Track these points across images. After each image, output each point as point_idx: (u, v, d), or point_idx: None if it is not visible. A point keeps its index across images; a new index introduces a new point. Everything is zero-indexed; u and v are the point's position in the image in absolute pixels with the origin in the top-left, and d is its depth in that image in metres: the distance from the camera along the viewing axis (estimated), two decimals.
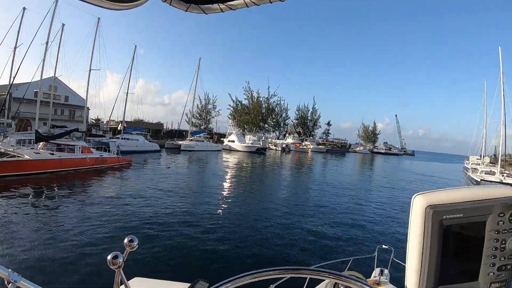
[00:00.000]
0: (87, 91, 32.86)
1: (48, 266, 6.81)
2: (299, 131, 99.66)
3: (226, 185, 20.39)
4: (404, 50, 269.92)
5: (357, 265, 3.13)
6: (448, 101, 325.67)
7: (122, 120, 44.93)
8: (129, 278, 1.13)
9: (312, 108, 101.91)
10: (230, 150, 54.25)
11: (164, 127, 72.21)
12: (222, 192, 17.65)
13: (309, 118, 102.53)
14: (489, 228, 1.01)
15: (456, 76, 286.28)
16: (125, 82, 43.89)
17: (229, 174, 26.13)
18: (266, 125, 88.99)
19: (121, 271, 1.00)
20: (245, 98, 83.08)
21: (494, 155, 53.82)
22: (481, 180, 29.42)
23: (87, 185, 17.42)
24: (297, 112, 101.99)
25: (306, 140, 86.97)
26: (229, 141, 56.78)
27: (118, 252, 0.98)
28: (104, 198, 13.85)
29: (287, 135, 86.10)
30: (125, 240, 1.06)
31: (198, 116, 77.54)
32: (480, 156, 57.31)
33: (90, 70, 31.81)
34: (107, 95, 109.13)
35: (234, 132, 58.73)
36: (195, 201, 14.67)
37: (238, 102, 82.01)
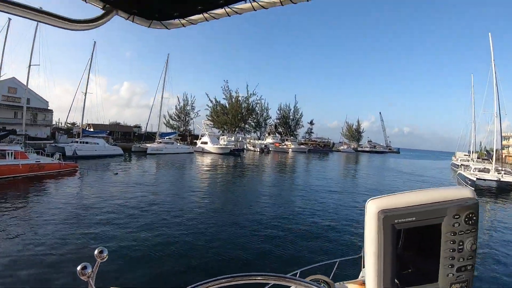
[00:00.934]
0: (26, 89, 30.01)
1: None
2: (281, 131, 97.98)
3: (183, 192, 18.25)
4: (389, 48, 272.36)
5: (345, 266, 2.99)
6: (434, 98, 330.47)
7: (81, 122, 42.08)
8: None
9: (294, 107, 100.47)
10: (203, 152, 51.52)
11: (143, 130, 69.25)
12: (176, 201, 15.57)
13: (291, 117, 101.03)
14: (445, 230, 1.04)
15: (441, 72, 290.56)
16: (83, 81, 41.13)
17: (191, 179, 23.88)
18: (246, 126, 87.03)
19: (92, 282, 0.99)
20: (223, 98, 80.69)
21: (487, 151, 52.37)
22: (477, 179, 26.82)
23: (7, 198, 14.93)
24: (278, 112, 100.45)
25: (287, 140, 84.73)
26: (202, 142, 54.00)
27: (87, 263, 0.97)
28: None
29: (266, 135, 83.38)
30: (95, 252, 1.05)
31: (176, 117, 75.29)
32: (468, 152, 55.91)
33: (29, 66, 29.07)
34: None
35: (207, 133, 55.89)
36: (122, 218, 12.43)
37: (216, 102, 79.44)
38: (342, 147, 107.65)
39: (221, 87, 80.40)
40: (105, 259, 1.06)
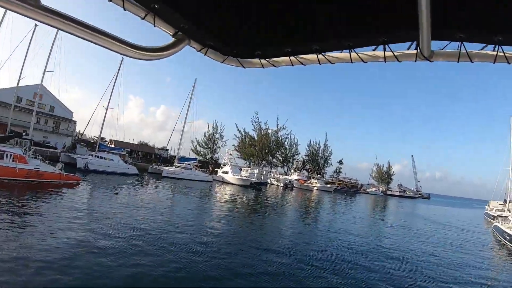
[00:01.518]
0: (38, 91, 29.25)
1: None
2: (308, 168, 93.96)
3: (180, 222, 15.49)
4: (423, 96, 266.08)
5: None
6: (469, 143, 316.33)
7: (99, 136, 40.89)
8: None
9: (324, 144, 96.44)
10: (222, 182, 48.64)
11: (168, 154, 67.91)
12: (165, 231, 13.03)
13: (320, 155, 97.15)
14: None
15: (478, 118, 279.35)
16: (105, 97, 40.32)
17: (196, 210, 20.95)
18: (274, 160, 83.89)
19: None
20: (252, 129, 78.42)
21: None
22: None
23: None
24: (307, 148, 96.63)
25: (313, 177, 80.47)
26: (223, 172, 51.08)
27: None
28: None
29: (292, 170, 79.43)
30: None
31: (204, 144, 73.15)
32: (504, 201, 49.50)
33: (44, 71, 28.13)
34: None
35: (229, 163, 53.25)
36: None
37: (244, 133, 77.25)
38: (370, 189, 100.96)
39: (251, 118, 78.16)
40: None
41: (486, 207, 63.92)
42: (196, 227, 14.99)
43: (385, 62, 0.72)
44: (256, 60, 0.87)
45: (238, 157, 77.21)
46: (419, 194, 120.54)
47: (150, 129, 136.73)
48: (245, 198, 33.68)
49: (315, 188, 71.53)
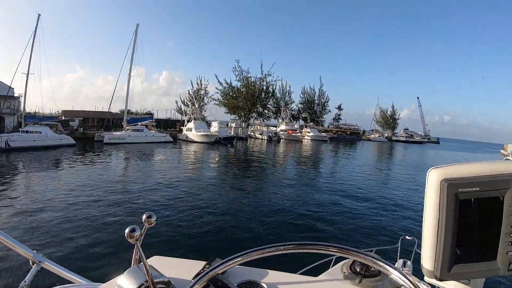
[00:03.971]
0: None
1: None
2: (305, 117, 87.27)
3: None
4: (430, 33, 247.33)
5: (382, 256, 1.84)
6: (476, 84, 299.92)
7: (23, 109, 35.40)
8: (148, 257, 1.17)
9: (319, 90, 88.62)
10: (186, 141, 43.01)
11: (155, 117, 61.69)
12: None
13: (316, 101, 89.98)
14: (508, 204, 0.96)
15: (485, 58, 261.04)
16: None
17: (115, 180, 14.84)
18: (265, 111, 77.39)
19: (139, 245, 1.02)
20: (235, 80, 71.28)
21: None
22: None
23: None
24: (302, 96, 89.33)
25: (306, 126, 74.13)
26: (187, 129, 44.92)
27: (135, 226, 1.01)
28: None
29: (280, 120, 72.80)
30: (144, 216, 1.08)
31: (189, 103, 66.24)
32: None
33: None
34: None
35: (192, 118, 47.09)
36: None
37: (227, 84, 70.23)
38: (373, 136, 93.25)
39: (233, 68, 70.60)
40: (153, 224, 1.09)
41: (502, 151, 56.95)
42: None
43: None
44: None
45: (226, 113, 71.67)
46: (428, 138, 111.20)
47: (154, 96, 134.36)
48: (202, 158, 28.46)
49: (307, 138, 65.62)
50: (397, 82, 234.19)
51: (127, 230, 0.98)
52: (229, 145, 40.04)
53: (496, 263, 0.96)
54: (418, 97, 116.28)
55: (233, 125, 56.07)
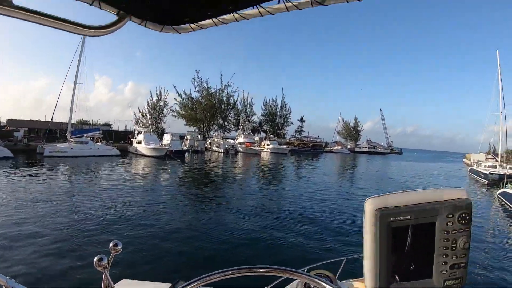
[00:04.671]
0: None
1: None
2: (266, 129, 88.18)
3: None
4: (393, 47, 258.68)
5: (352, 264, 3.08)
6: (439, 96, 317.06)
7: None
8: (116, 281, 1.17)
9: (281, 101, 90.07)
10: (136, 154, 42.45)
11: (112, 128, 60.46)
12: None
13: (278, 113, 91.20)
14: (439, 228, 1.08)
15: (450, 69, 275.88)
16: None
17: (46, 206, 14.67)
18: (225, 123, 77.52)
19: (107, 273, 1.06)
20: (195, 91, 71.38)
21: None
22: None
23: None
24: (263, 107, 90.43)
25: (265, 139, 74.83)
26: (137, 142, 44.16)
27: (103, 255, 1.04)
28: None
29: (239, 132, 72.99)
30: (110, 245, 1.11)
31: (148, 115, 65.44)
32: (494, 154, 46.87)
33: None
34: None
35: (142, 130, 46.36)
36: None
37: (185, 95, 70.07)
38: (335, 147, 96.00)
39: (192, 78, 70.57)
40: (119, 252, 1.12)
41: (464, 160, 59.30)
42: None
43: (288, 11, 0.82)
44: (187, 26, 1.01)
45: (185, 124, 71.29)
46: (391, 149, 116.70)
47: (119, 108, 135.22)
48: (147, 174, 26.30)
49: (266, 151, 66.00)
50: (361, 95, 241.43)
51: (95, 259, 1.02)
52: (178, 160, 38.78)
53: (432, 281, 1.09)
54: (381, 109, 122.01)
55: (189, 137, 55.69)
